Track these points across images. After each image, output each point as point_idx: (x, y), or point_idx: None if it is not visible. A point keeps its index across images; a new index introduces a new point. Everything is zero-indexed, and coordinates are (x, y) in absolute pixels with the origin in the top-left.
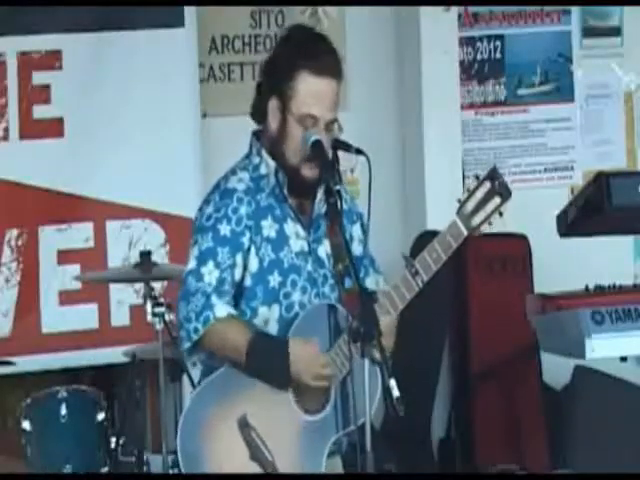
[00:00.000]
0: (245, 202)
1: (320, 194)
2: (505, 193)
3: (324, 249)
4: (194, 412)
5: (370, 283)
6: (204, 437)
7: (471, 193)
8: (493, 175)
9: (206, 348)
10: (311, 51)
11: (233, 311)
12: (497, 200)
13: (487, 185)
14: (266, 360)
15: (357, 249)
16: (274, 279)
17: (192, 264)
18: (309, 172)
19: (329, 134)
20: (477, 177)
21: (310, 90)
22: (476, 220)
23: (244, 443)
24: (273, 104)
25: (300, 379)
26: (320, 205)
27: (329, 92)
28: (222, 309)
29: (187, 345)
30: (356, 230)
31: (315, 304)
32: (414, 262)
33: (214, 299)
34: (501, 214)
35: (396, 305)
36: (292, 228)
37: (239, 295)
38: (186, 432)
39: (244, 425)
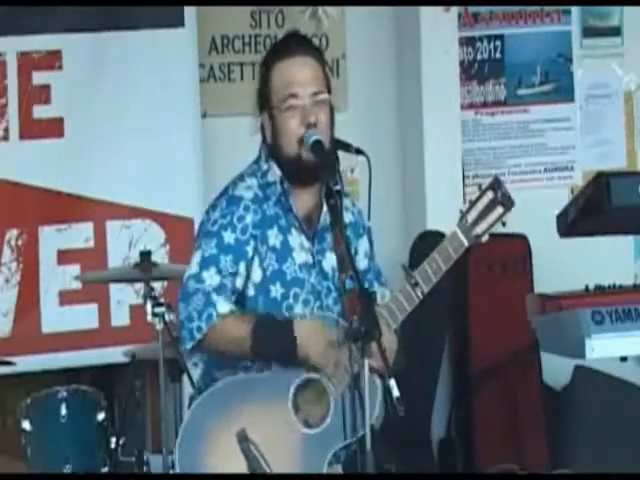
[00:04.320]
0: (252, 211)
1: (326, 206)
2: (507, 203)
3: (329, 261)
4: (193, 424)
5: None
6: (203, 450)
7: (473, 203)
8: (495, 185)
9: (210, 345)
10: (279, 45)
11: (235, 307)
12: (500, 210)
13: (489, 195)
14: (272, 337)
15: (362, 262)
16: (276, 290)
17: (194, 269)
18: (309, 155)
19: (319, 106)
20: (480, 186)
21: (283, 74)
22: (477, 230)
23: (243, 457)
24: (263, 115)
25: (308, 358)
26: (326, 216)
27: (303, 68)
28: (224, 306)
29: (190, 345)
30: (362, 244)
31: (315, 315)
32: (413, 273)
33: (215, 297)
34: (504, 224)
35: (396, 317)
36: (296, 239)
37: (241, 304)
38: (185, 444)
39: (243, 439)
